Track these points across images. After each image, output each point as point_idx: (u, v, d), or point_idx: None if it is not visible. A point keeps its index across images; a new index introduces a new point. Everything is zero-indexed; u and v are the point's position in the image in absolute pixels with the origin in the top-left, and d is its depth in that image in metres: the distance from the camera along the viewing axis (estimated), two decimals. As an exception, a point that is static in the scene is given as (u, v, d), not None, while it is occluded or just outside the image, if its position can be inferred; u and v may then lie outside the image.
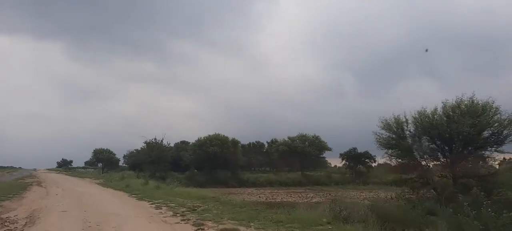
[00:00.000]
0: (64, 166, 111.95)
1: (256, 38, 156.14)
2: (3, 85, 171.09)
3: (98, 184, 30.30)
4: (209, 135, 51.69)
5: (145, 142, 46.36)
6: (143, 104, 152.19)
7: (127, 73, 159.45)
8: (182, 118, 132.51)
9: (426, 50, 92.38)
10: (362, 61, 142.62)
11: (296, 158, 57.33)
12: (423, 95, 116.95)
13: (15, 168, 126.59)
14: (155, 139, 46.09)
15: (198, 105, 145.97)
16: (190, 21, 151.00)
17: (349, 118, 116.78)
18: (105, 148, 67.97)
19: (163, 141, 45.96)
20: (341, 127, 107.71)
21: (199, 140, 51.95)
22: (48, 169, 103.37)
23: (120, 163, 75.73)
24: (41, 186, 27.03)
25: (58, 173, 67.82)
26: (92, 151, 68.28)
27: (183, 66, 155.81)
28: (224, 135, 51.61)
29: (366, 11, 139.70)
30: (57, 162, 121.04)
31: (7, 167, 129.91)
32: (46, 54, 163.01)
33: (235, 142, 52.37)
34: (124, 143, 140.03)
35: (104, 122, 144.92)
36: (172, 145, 52.37)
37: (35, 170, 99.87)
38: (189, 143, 62.55)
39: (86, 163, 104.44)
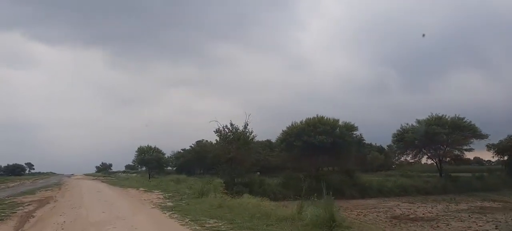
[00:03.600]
0: (104, 170, 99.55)
1: (296, 36, 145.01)
2: (49, 95, 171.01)
3: (161, 207, 13.12)
4: (307, 119, 33.84)
5: (218, 131, 29.05)
6: (184, 107, 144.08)
7: (168, 78, 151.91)
8: (224, 121, 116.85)
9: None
10: (405, 55, 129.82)
11: (432, 148, 38.79)
12: (470, 86, 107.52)
13: (55, 174, 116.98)
14: (232, 124, 28.86)
15: (236, 106, 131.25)
16: (230, 21, 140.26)
17: (392, 114, 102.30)
18: (153, 146, 51.97)
19: (247, 127, 28.43)
20: (385, 123, 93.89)
21: (293, 127, 34.19)
22: (86, 174, 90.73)
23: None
24: (33, 213, 10.50)
25: (94, 179, 52.96)
26: (136, 150, 52.37)
27: (224, 67, 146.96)
28: (331, 118, 33.50)
29: (408, 3, 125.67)
30: (96, 167, 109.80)
31: (46, 173, 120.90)
32: (89, 62, 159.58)
33: (350, 127, 33.74)
34: (166, 146, 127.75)
35: (146, 126, 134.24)
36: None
37: (70, 176, 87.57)
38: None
39: (126, 166, 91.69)
